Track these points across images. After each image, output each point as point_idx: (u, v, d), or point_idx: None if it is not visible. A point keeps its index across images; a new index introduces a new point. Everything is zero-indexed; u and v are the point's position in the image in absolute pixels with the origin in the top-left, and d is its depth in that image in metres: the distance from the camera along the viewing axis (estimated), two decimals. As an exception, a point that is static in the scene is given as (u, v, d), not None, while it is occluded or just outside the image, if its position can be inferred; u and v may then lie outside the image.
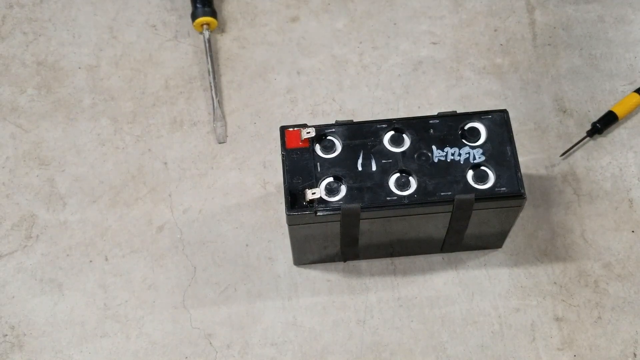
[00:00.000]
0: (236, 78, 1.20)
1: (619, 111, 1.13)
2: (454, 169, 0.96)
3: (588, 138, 1.14)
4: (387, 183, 0.96)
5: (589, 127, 1.15)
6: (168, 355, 1.03)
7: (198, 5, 1.21)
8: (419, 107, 1.17)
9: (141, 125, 1.17)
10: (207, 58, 1.19)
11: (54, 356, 1.03)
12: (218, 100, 1.16)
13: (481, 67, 1.20)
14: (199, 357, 1.03)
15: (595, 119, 1.15)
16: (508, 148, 0.97)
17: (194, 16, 1.21)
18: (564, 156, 1.13)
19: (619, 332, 1.03)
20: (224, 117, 1.16)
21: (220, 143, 1.15)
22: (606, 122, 1.13)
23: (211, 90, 1.17)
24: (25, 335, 1.05)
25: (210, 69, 1.18)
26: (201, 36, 1.23)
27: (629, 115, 1.15)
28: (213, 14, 1.21)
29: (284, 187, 0.96)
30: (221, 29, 1.24)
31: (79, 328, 1.05)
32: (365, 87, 1.19)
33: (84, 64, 1.22)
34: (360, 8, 1.25)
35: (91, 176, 1.14)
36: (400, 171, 0.96)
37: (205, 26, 1.20)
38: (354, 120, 0.99)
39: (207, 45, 1.19)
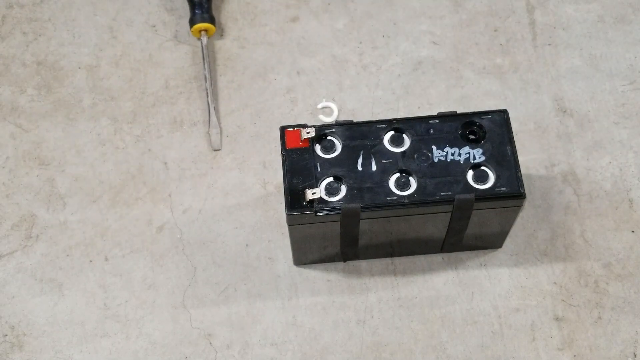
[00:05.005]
0: (236, 78, 1.20)
1: None
2: (454, 169, 0.96)
3: None
4: (387, 183, 0.96)
5: (589, 127, 1.14)
6: (168, 355, 1.03)
7: (196, 11, 1.19)
8: (419, 107, 1.17)
9: (141, 125, 1.17)
10: (204, 64, 1.18)
11: (54, 356, 1.03)
12: (214, 107, 1.16)
13: (481, 67, 1.20)
14: (199, 357, 1.03)
15: (595, 118, 1.15)
16: (508, 148, 0.97)
17: (191, 22, 1.19)
18: None
19: (619, 332, 1.03)
20: (219, 124, 1.16)
21: (215, 150, 1.15)
22: None
23: (207, 97, 1.16)
24: (25, 335, 1.05)
25: (207, 76, 1.17)
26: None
27: (629, 115, 1.16)
28: (211, 20, 1.19)
29: (284, 187, 0.96)
30: (221, 29, 1.24)
31: (79, 328, 1.05)
32: (365, 87, 1.19)
33: (84, 64, 1.22)
34: (360, 8, 1.25)
35: (91, 176, 1.14)
36: (400, 171, 0.96)
37: (203, 32, 1.19)
38: (354, 120, 0.99)
39: (204, 51, 1.18)
